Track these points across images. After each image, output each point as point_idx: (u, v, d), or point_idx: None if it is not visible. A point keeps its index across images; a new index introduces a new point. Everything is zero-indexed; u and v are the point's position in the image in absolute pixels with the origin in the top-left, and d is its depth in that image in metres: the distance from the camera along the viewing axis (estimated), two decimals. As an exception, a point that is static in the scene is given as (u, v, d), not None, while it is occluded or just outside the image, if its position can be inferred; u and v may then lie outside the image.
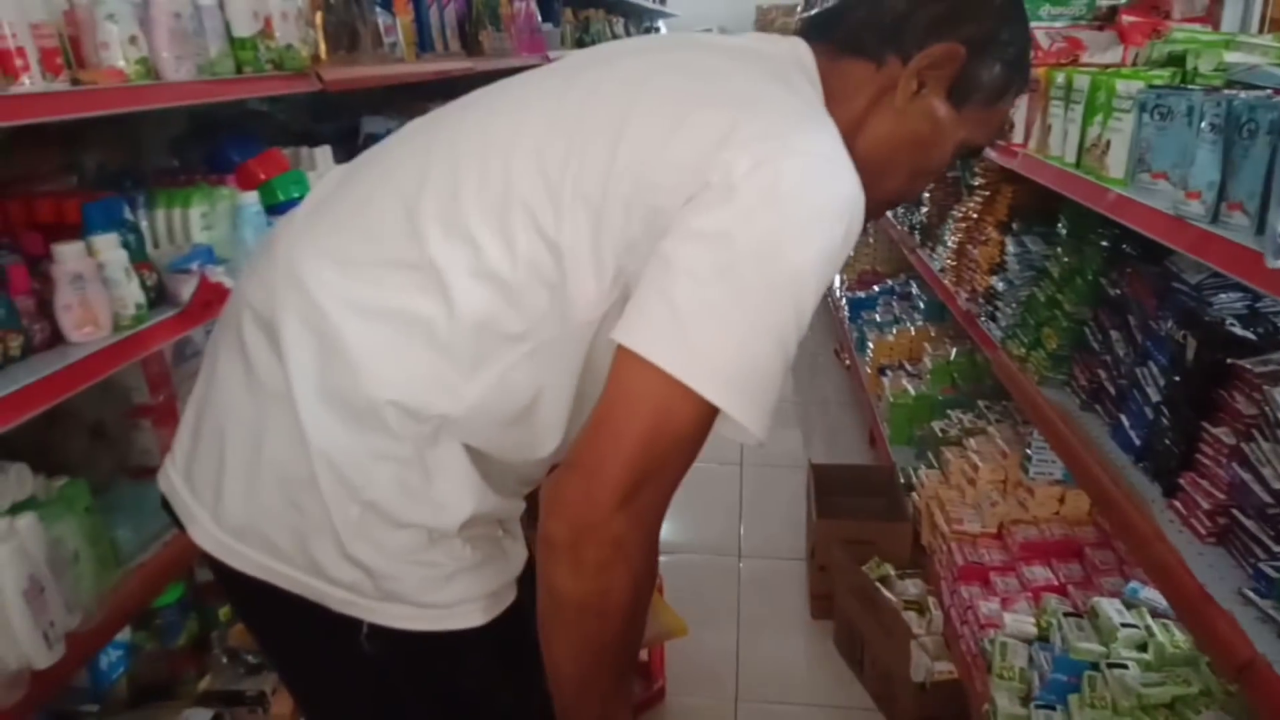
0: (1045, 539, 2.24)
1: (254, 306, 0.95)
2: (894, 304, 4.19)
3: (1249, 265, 1.05)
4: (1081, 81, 1.62)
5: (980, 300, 2.41)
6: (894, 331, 3.79)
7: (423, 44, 2.86)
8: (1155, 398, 1.49)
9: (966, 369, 3.14)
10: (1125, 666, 1.71)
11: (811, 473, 2.90)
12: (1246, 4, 2.01)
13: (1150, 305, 1.59)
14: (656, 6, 7.95)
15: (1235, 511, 1.26)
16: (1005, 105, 1.05)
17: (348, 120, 2.84)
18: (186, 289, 1.56)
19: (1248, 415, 1.27)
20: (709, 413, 0.83)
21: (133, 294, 1.45)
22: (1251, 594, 1.17)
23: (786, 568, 2.91)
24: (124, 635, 1.73)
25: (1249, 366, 1.29)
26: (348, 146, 2.32)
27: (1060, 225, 2.07)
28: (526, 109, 0.95)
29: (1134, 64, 1.80)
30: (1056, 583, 2.12)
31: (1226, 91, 1.23)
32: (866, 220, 0.90)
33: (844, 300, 4.66)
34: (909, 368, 3.53)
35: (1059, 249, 2.05)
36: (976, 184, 2.68)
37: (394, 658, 0.96)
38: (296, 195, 1.89)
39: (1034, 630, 1.96)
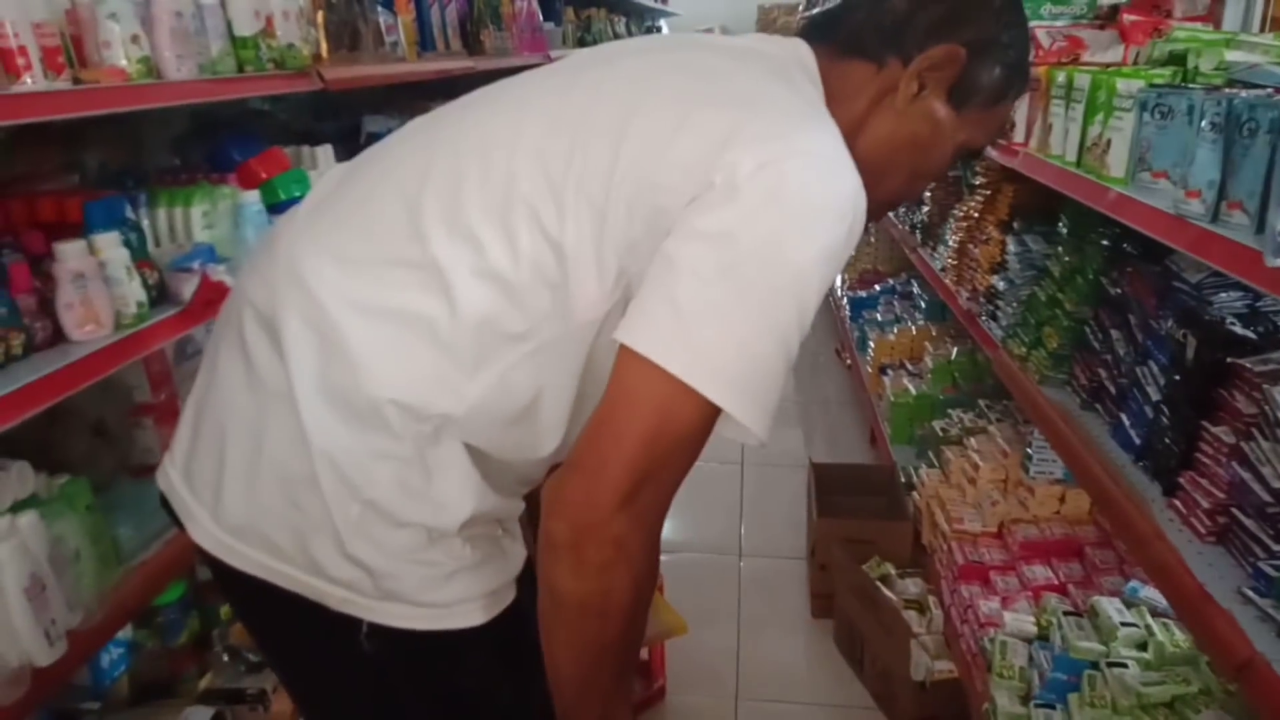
0: (1045, 538, 2.24)
1: (255, 304, 0.95)
2: (895, 303, 4.19)
3: (1249, 264, 1.05)
4: (1082, 80, 1.62)
5: (981, 299, 2.41)
6: (895, 331, 3.79)
7: (424, 43, 2.86)
8: (1155, 397, 1.49)
9: (967, 368, 3.14)
10: (1125, 665, 1.72)
11: (812, 472, 2.90)
12: (1248, 3, 2.01)
13: (1150, 304, 1.59)
14: (658, 6, 7.95)
15: (1235, 510, 1.26)
16: (1005, 108, 1.06)
17: (349, 119, 2.85)
18: (188, 288, 1.56)
19: (1247, 414, 1.27)
20: (711, 413, 0.83)
21: (134, 292, 1.45)
22: (1251, 593, 1.17)
23: (787, 567, 2.91)
24: (125, 633, 1.73)
25: (1249, 365, 1.29)
26: (349, 145, 2.32)
27: (1061, 224, 2.07)
28: (529, 108, 0.95)
29: (1135, 63, 1.80)
30: (1057, 582, 2.12)
31: (1227, 90, 1.23)
32: (867, 221, 0.91)
33: (845, 299, 4.66)
34: (910, 367, 3.53)
35: (1060, 248, 2.05)
36: (978, 183, 2.67)
37: (393, 657, 0.96)
38: (298, 194, 1.89)
39: (1034, 629, 1.97)
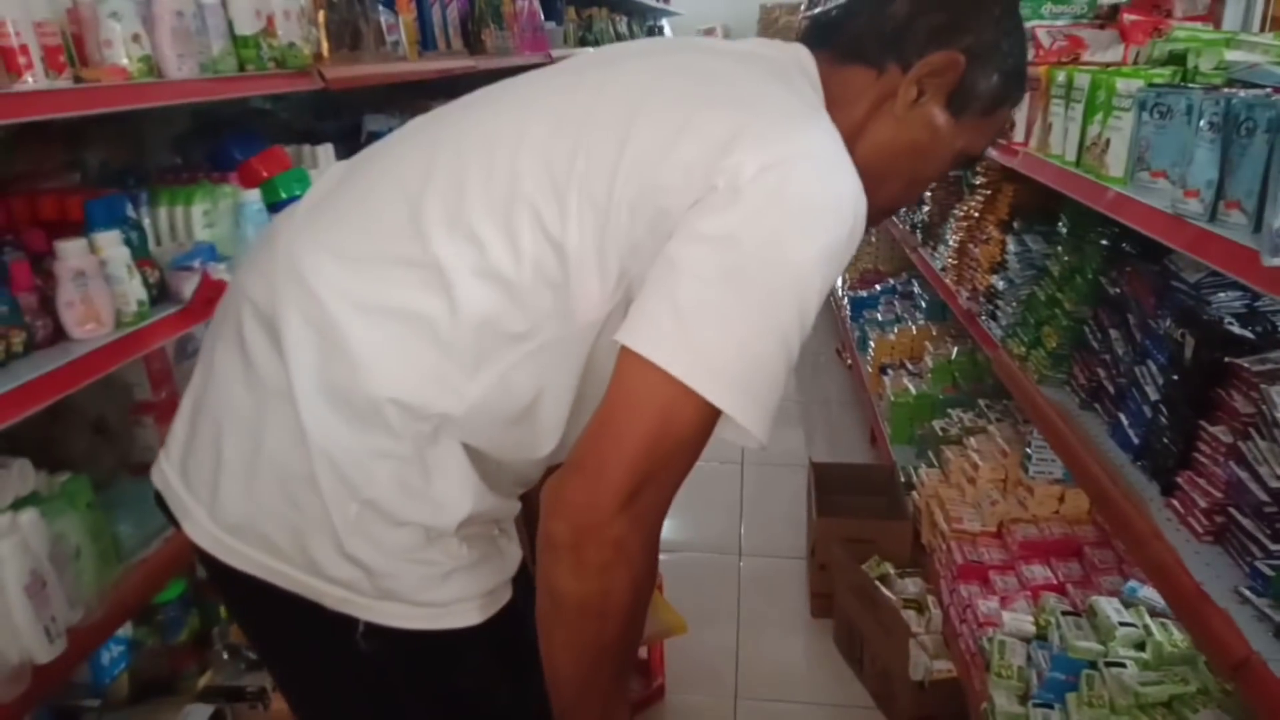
0: (1044, 538, 2.24)
1: (254, 301, 0.95)
2: (895, 303, 4.19)
3: (1246, 263, 1.05)
4: (1082, 80, 1.62)
5: (981, 299, 2.41)
6: (895, 330, 3.79)
7: (425, 42, 2.87)
8: (1154, 396, 1.50)
9: (967, 368, 3.14)
10: (1123, 665, 1.72)
11: (812, 471, 2.90)
12: (1248, 3, 2.01)
13: (1149, 304, 1.59)
14: (660, 5, 7.95)
15: (1232, 510, 1.27)
16: (1002, 115, 1.07)
17: (350, 118, 2.85)
18: (188, 286, 1.57)
19: (1245, 414, 1.27)
20: (711, 415, 0.83)
21: (135, 291, 1.46)
22: (1248, 592, 1.17)
23: (787, 566, 2.92)
24: (125, 631, 1.74)
25: (1246, 365, 1.29)
26: (350, 145, 2.32)
27: (1061, 224, 2.07)
28: (533, 107, 0.95)
29: (1135, 62, 1.80)
30: (1055, 581, 2.12)
31: (1226, 90, 1.23)
32: (866, 226, 0.91)
33: (846, 299, 4.66)
34: (910, 367, 3.53)
35: (1059, 248, 2.05)
36: (978, 183, 2.68)
37: (390, 657, 0.96)
38: (298, 193, 1.89)
39: (1032, 629, 1.97)
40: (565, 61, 1.06)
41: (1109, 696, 1.67)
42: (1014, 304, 2.18)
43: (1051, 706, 1.74)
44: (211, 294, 1.54)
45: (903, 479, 2.86)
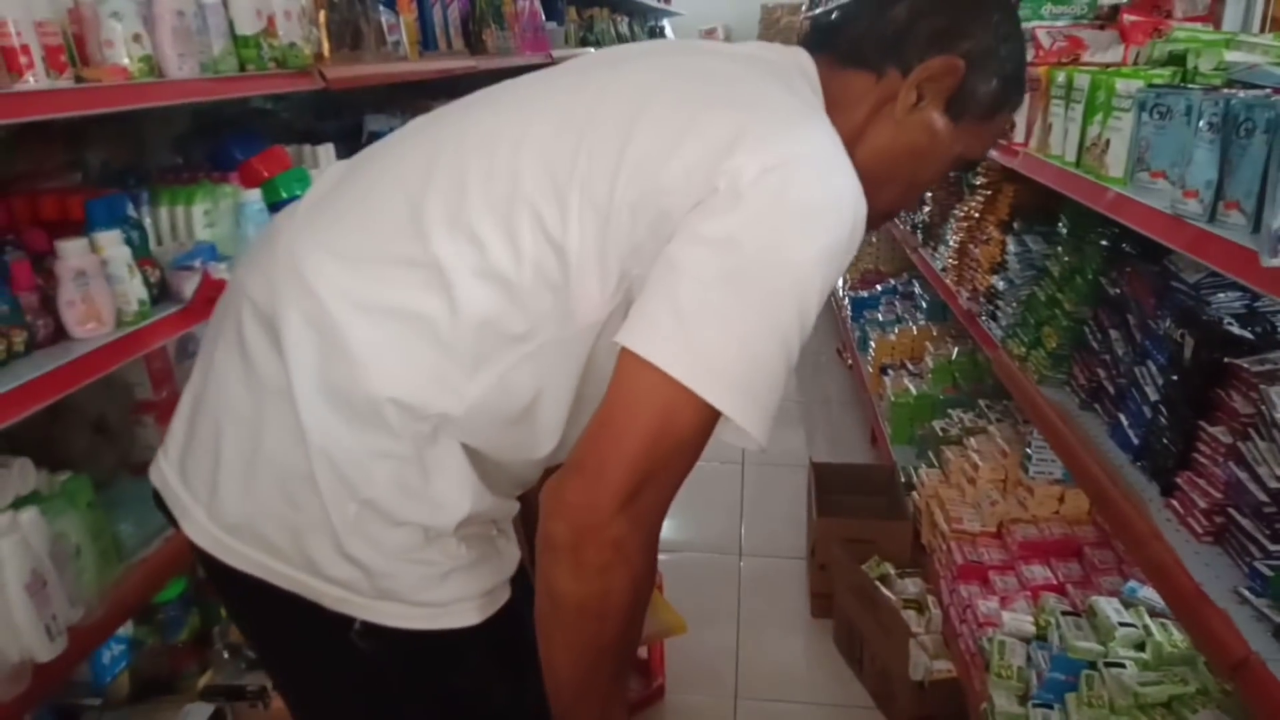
0: (1044, 538, 2.24)
1: (254, 300, 0.95)
2: (896, 303, 4.19)
3: (1245, 264, 1.05)
4: (1082, 80, 1.62)
5: (981, 299, 2.41)
6: (896, 331, 3.79)
7: (426, 42, 2.87)
8: (1153, 397, 1.50)
9: (968, 368, 3.14)
10: (1123, 665, 1.72)
11: (812, 471, 2.90)
12: (1248, 3, 2.01)
13: (1149, 304, 1.59)
14: (661, 5, 7.95)
15: (1232, 510, 1.27)
16: (1001, 120, 1.07)
17: (351, 118, 2.85)
18: (189, 286, 1.57)
19: (1244, 414, 1.27)
20: (711, 416, 0.83)
21: (136, 290, 1.46)
22: (1246, 593, 1.18)
23: (787, 566, 2.92)
24: (126, 630, 1.74)
25: (1246, 366, 1.29)
26: (351, 144, 2.32)
27: (1061, 224, 2.07)
28: (535, 107, 0.96)
29: (1135, 63, 1.80)
30: (1055, 582, 2.12)
31: (1225, 91, 1.23)
32: (865, 230, 0.92)
33: (846, 299, 4.66)
34: (910, 367, 3.53)
35: (1059, 248, 2.05)
36: (978, 183, 2.68)
37: (389, 657, 0.96)
38: (299, 192, 1.89)
39: (1032, 629, 1.97)
40: (567, 63, 1.07)
41: (1108, 697, 1.67)
42: (1014, 304, 2.18)
43: (1051, 707, 1.74)
44: (212, 293, 1.55)
45: (903, 479, 2.86)
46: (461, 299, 0.88)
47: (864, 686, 2.37)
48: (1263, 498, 1.20)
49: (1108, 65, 1.82)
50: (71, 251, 1.37)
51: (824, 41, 1.05)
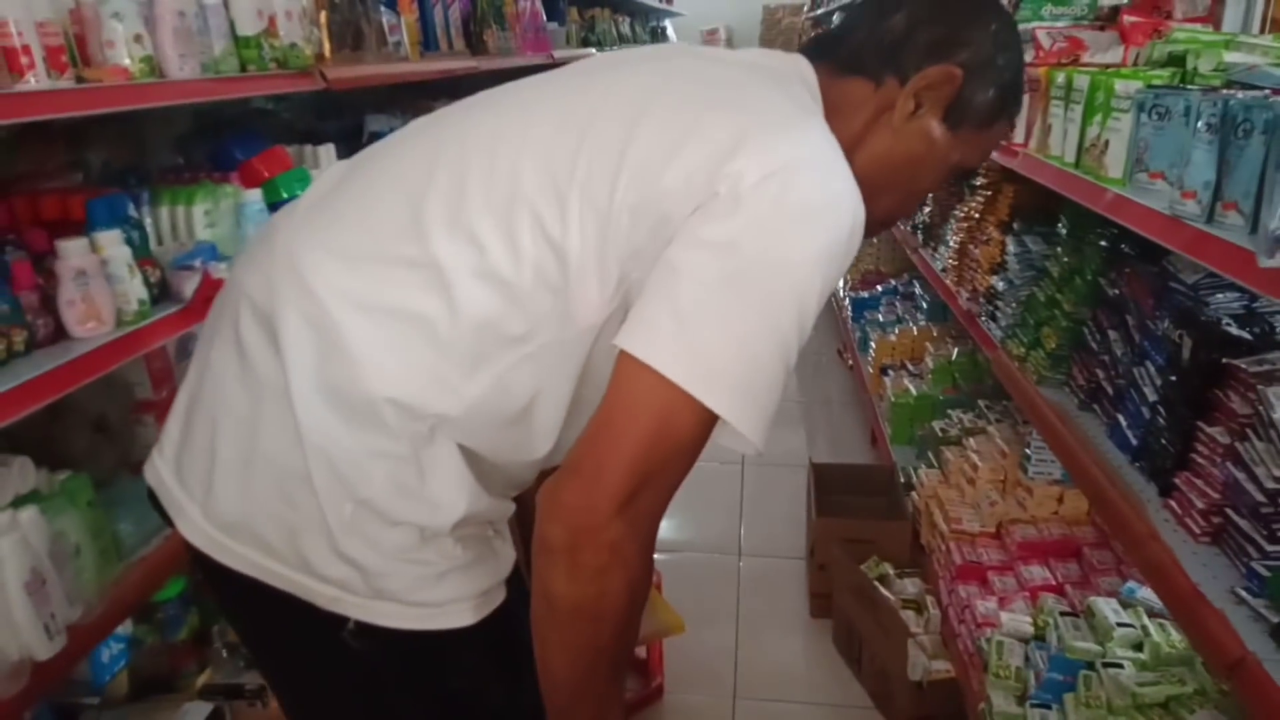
0: (1043, 538, 2.24)
1: (252, 299, 0.95)
2: (897, 304, 4.20)
3: (1243, 264, 1.05)
4: (1081, 81, 1.62)
5: (981, 300, 2.41)
6: (896, 331, 3.79)
7: (427, 43, 2.87)
8: (1152, 397, 1.50)
9: (968, 369, 3.14)
10: (1121, 666, 1.72)
11: (812, 472, 2.90)
12: (1248, 4, 2.01)
13: (1148, 305, 1.59)
14: (663, 6, 7.95)
15: (1229, 511, 1.27)
16: (999, 129, 1.08)
17: (352, 119, 2.86)
18: (189, 285, 1.58)
19: (1242, 415, 1.27)
20: (709, 420, 0.84)
21: (136, 290, 1.47)
22: (1244, 593, 1.18)
23: (786, 566, 2.92)
24: (125, 628, 1.74)
25: (1243, 366, 1.29)
26: (352, 145, 2.33)
27: (1060, 225, 2.07)
28: (536, 109, 0.96)
29: (1135, 64, 1.80)
30: (1054, 582, 2.12)
31: (1223, 92, 1.23)
32: (863, 237, 0.92)
33: (847, 300, 4.66)
34: (911, 367, 3.53)
35: (1059, 249, 2.05)
36: (978, 184, 2.68)
37: (383, 657, 0.96)
38: (299, 193, 1.89)
39: (1030, 629, 1.97)
40: (569, 65, 1.07)
41: (1106, 697, 1.68)
42: (1013, 305, 2.18)
43: (1049, 707, 1.74)
44: (212, 293, 1.53)
45: (902, 479, 2.87)
46: (461, 300, 0.88)
47: (863, 686, 2.37)
48: (1260, 498, 1.20)
49: (1107, 66, 1.82)
50: (72, 251, 1.37)
51: (824, 49, 1.06)
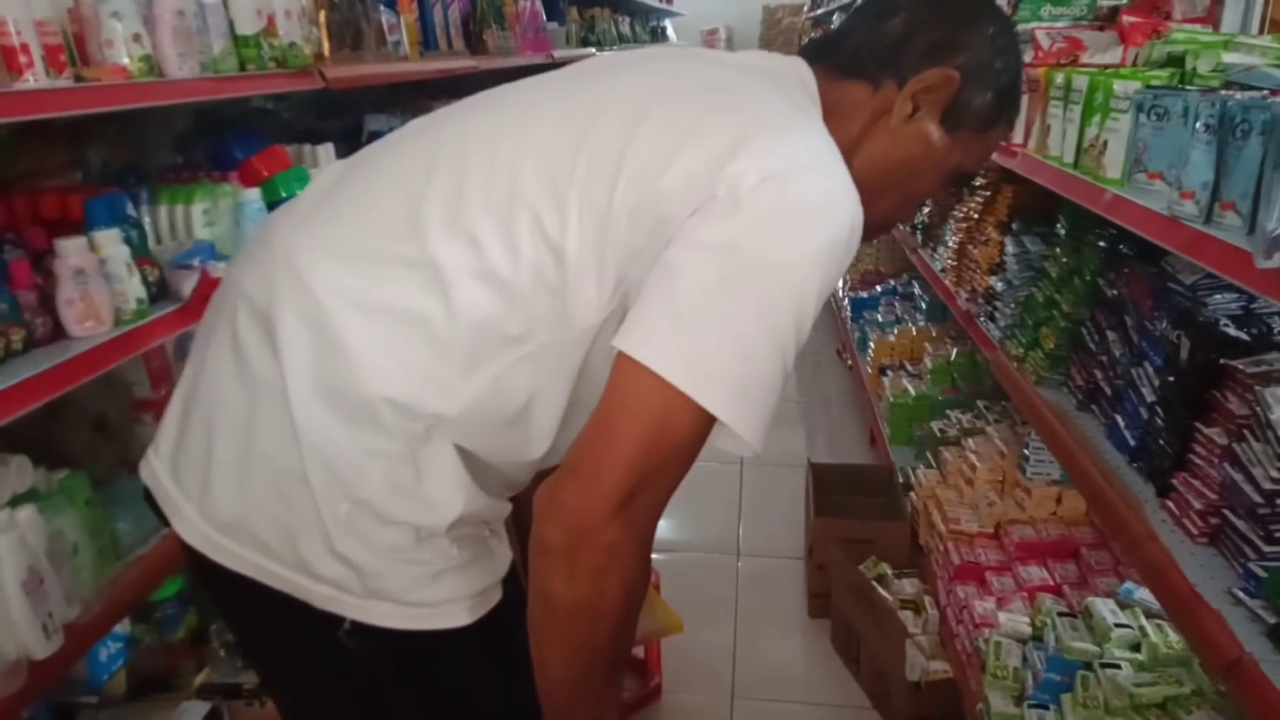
0: (1042, 539, 2.24)
1: (250, 298, 0.95)
2: (896, 304, 4.20)
3: (1240, 265, 1.06)
4: (1080, 82, 1.62)
5: (980, 300, 2.41)
6: (895, 331, 3.79)
7: (427, 42, 2.87)
8: (1150, 398, 1.50)
9: (967, 369, 3.15)
10: (1118, 666, 1.72)
11: (810, 472, 2.90)
12: (1247, 5, 2.01)
13: (1146, 306, 1.59)
14: (663, 6, 7.96)
15: (1227, 512, 1.27)
16: (997, 133, 1.08)
17: (352, 118, 2.86)
18: (188, 284, 1.58)
19: (1240, 415, 1.27)
20: (707, 421, 0.84)
21: (134, 289, 1.47)
22: (1241, 593, 1.18)
23: (785, 566, 2.92)
24: (123, 628, 1.74)
25: (1241, 367, 1.29)
26: (351, 144, 2.33)
27: (1059, 226, 2.07)
28: (536, 110, 0.96)
29: (1134, 64, 1.80)
30: (1052, 583, 2.12)
31: (1222, 92, 1.23)
32: (861, 241, 0.92)
33: (846, 300, 4.67)
34: (910, 368, 3.53)
35: (1058, 249, 2.05)
36: (977, 184, 2.68)
37: (379, 657, 0.96)
38: (299, 192, 1.89)
39: (1028, 630, 1.97)
40: (569, 67, 1.07)
41: (1104, 697, 1.68)
42: (1012, 305, 2.18)
43: (1046, 707, 1.74)
44: (210, 292, 1.54)
45: (901, 480, 2.87)
46: (458, 300, 0.88)
47: (861, 686, 2.37)
48: (1257, 499, 1.20)
49: (1106, 66, 1.82)
50: (70, 250, 1.37)
51: (822, 52, 1.07)
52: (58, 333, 1.38)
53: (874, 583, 2.36)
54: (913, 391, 3.25)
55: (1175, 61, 1.62)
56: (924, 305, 3.96)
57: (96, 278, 1.40)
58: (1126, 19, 1.93)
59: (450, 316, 0.88)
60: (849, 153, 0.97)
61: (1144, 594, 1.94)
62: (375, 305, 0.90)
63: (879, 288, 4.51)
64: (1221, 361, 1.33)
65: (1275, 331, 1.40)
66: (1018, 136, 1.97)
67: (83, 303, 1.38)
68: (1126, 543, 1.40)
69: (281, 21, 1.86)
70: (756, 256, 0.83)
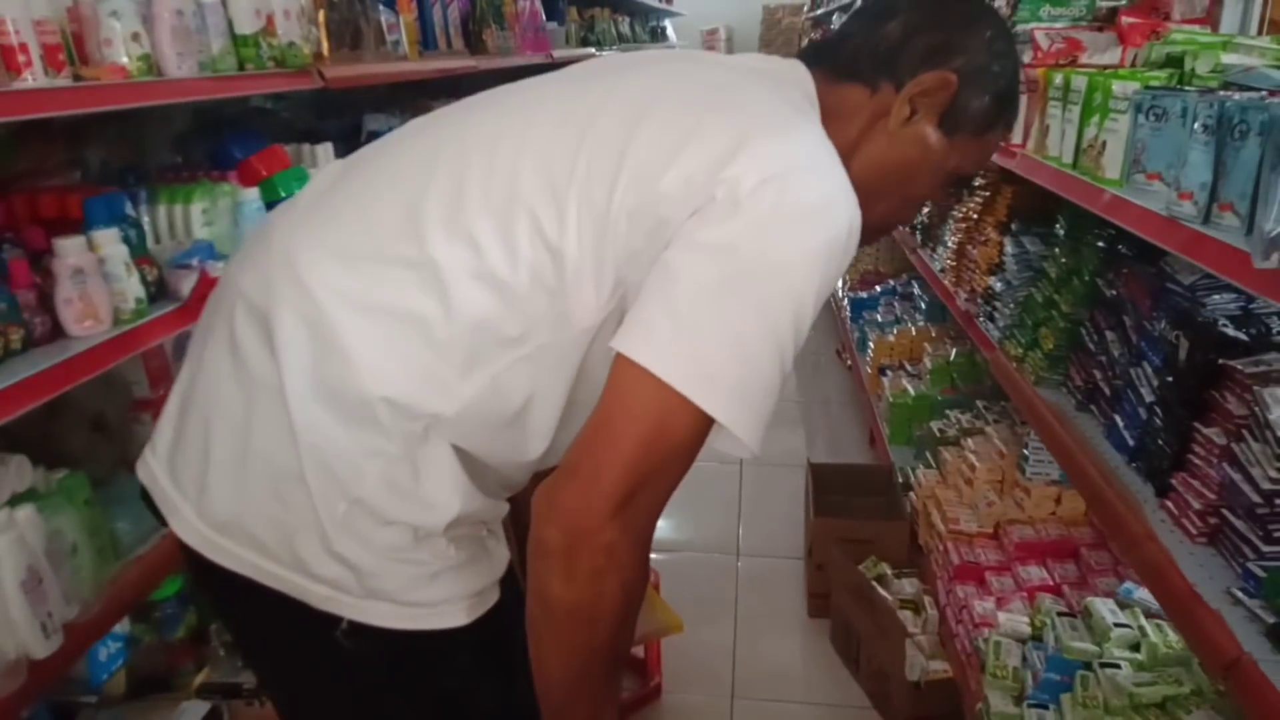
0: (1041, 539, 2.24)
1: (248, 297, 0.95)
2: (895, 304, 4.20)
3: (1238, 266, 1.06)
4: (1079, 82, 1.62)
5: (979, 300, 2.41)
6: (895, 331, 3.79)
7: (426, 42, 2.87)
8: (1149, 398, 1.50)
9: (966, 369, 3.15)
10: (1118, 666, 1.72)
11: (810, 472, 2.90)
12: (1246, 5, 2.01)
13: (1145, 306, 1.59)
14: (662, 6, 7.95)
15: (1225, 511, 1.27)
16: (995, 137, 1.08)
17: (351, 118, 2.86)
18: (187, 284, 1.58)
19: (1238, 415, 1.27)
20: (706, 423, 0.84)
21: (133, 289, 1.47)
22: (1240, 593, 1.18)
23: (784, 566, 2.92)
24: (123, 627, 1.75)
25: (1240, 367, 1.29)
26: (350, 144, 2.33)
27: (1058, 226, 2.07)
28: (536, 111, 0.96)
29: (1132, 65, 1.80)
30: (1052, 583, 2.12)
31: (1220, 93, 1.23)
32: (860, 244, 0.92)
33: (846, 300, 4.67)
34: (909, 368, 3.53)
35: (1057, 250, 2.05)
36: (977, 185, 2.68)
37: (376, 657, 0.96)
38: (298, 191, 1.90)
39: (1028, 630, 1.97)
40: (568, 68, 1.07)
41: (1103, 697, 1.68)
42: (1011, 305, 2.19)
43: (1046, 707, 1.75)
44: (209, 292, 1.55)
45: (900, 480, 2.87)
46: (456, 300, 0.88)
47: (860, 686, 2.37)
48: (1256, 499, 1.20)
49: (1105, 67, 1.82)
50: (69, 249, 1.37)
51: (821, 56, 1.07)
52: (56, 332, 1.38)
53: (874, 583, 2.36)
54: (912, 391, 3.25)
55: (1174, 62, 1.62)
56: (923, 305, 3.96)
57: (95, 277, 1.40)
58: (1125, 20, 1.93)
59: (449, 317, 0.88)
60: (847, 155, 0.97)
61: (1143, 594, 1.94)
62: (373, 305, 0.90)
63: (878, 288, 4.51)
64: (1220, 361, 1.33)
65: (1274, 331, 1.40)
66: (1016, 137, 1.97)
67: (81, 302, 1.38)
68: (1125, 543, 1.40)
69: (280, 21, 1.86)
70: (755, 257, 0.84)
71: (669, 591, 2.42)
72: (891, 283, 4.51)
